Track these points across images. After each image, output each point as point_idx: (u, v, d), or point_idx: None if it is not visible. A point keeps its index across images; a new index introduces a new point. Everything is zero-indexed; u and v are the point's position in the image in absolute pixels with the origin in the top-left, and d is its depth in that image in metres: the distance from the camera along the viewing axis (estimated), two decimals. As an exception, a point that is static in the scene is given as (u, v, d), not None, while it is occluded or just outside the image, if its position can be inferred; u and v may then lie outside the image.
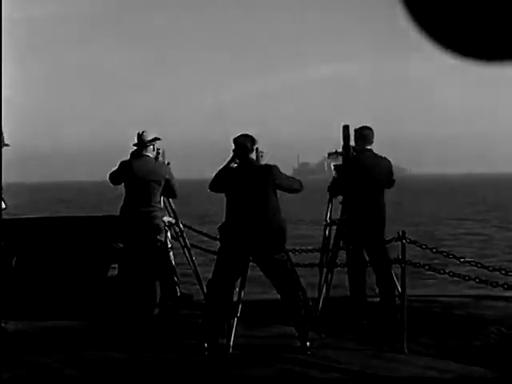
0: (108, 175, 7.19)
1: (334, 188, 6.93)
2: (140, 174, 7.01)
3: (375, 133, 6.91)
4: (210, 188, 5.82)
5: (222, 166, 5.79)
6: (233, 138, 5.77)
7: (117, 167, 7.13)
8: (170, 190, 7.21)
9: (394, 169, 7.04)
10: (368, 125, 6.99)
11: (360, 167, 6.74)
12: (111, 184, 7.25)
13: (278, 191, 5.68)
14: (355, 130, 6.91)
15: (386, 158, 7.00)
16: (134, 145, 7.17)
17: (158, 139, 7.18)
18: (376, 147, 6.91)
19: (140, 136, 7.11)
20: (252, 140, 5.72)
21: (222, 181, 5.72)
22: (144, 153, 7.11)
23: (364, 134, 6.88)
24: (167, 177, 7.16)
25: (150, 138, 7.10)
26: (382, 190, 6.87)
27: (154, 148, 7.19)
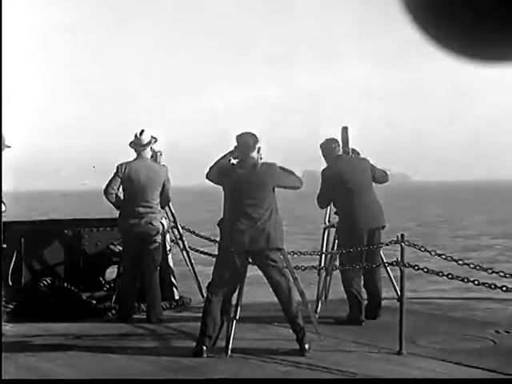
0: (103, 188, 7.05)
1: (321, 198, 6.94)
2: (138, 176, 7.00)
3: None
4: (207, 177, 5.82)
5: (220, 156, 5.80)
6: (236, 135, 5.78)
7: (113, 174, 7.06)
8: (164, 194, 7.18)
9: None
10: (332, 137, 7.03)
11: (337, 174, 6.77)
12: (107, 199, 7.06)
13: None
14: (321, 146, 6.99)
15: (364, 159, 7.07)
16: (130, 145, 7.13)
17: (155, 139, 7.17)
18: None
19: (137, 136, 7.09)
20: (255, 138, 5.73)
21: (222, 174, 5.73)
22: (141, 154, 7.09)
23: (331, 147, 6.93)
24: (164, 179, 7.14)
25: (147, 138, 7.08)
26: (370, 189, 6.87)
27: (151, 149, 7.18)
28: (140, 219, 6.97)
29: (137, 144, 7.07)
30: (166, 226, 7.26)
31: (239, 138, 5.74)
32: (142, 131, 7.08)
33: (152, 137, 7.14)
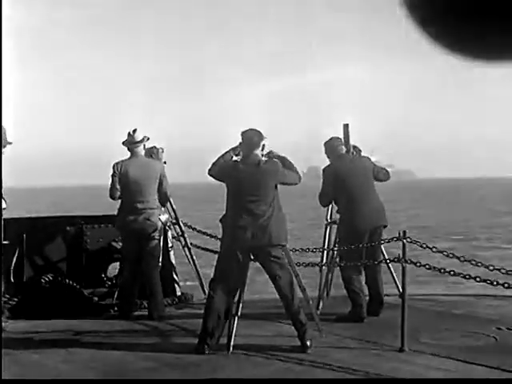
0: (109, 193, 7.12)
1: (322, 196, 6.94)
2: (134, 173, 7.03)
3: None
4: (209, 172, 5.81)
5: (223, 153, 5.78)
6: (241, 131, 5.76)
7: (111, 176, 7.09)
8: (161, 190, 7.17)
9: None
10: (335, 135, 7.03)
11: (338, 172, 6.76)
12: (112, 199, 7.16)
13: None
14: (324, 144, 6.98)
15: (365, 157, 7.08)
16: (123, 143, 7.17)
17: (148, 138, 7.21)
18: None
19: (131, 135, 7.13)
20: (260, 135, 5.72)
21: (224, 171, 5.72)
22: (135, 151, 7.12)
23: (335, 145, 6.93)
24: (161, 174, 7.15)
25: (140, 136, 7.13)
26: (371, 188, 6.86)
27: (144, 146, 7.21)
28: (138, 215, 7.00)
29: (130, 142, 7.13)
30: (164, 222, 7.24)
31: (244, 134, 5.73)
32: (135, 130, 7.14)
33: (144, 136, 7.19)
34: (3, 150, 6.31)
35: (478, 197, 71.05)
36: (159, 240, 7.22)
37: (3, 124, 6.18)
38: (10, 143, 6.52)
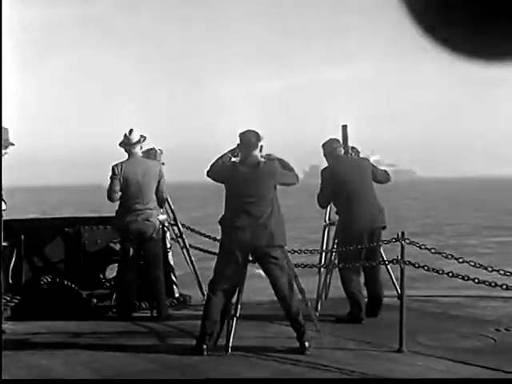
0: (107, 194, 7.11)
1: (321, 198, 6.94)
2: (134, 174, 7.03)
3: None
4: (207, 174, 5.82)
5: (221, 154, 5.80)
6: (239, 132, 5.78)
7: (110, 177, 7.10)
8: (159, 192, 7.17)
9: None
10: (333, 137, 7.03)
11: (336, 174, 6.77)
12: (110, 200, 7.14)
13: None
14: (323, 146, 6.97)
15: (364, 158, 7.09)
16: (120, 144, 7.18)
17: (144, 138, 7.20)
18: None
19: (127, 136, 7.13)
20: (257, 136, 5.73)
21: (223, 172, 5.73)
22: (133, 152, 7.12)
23: (332, 147, 6.93)
24: (159, 175, 7.16)
25: (136, 137, 7.12)
26: (370, 189, 6.86)
27: (141, 147, 7.21)
28: (137, 216, 7.00)
29: (127, 143, 7.13)
30: (161, 221, 7.24)
31: (242, 135, 5.74)
32: (131, 130, 7.14)
33: (141, 136, 7.18)
34: (6, 150, 6.30)
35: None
36: (159, 240, 7.22)
37: (7, 125, 6.18)
38: (13, 144, 6.50)
